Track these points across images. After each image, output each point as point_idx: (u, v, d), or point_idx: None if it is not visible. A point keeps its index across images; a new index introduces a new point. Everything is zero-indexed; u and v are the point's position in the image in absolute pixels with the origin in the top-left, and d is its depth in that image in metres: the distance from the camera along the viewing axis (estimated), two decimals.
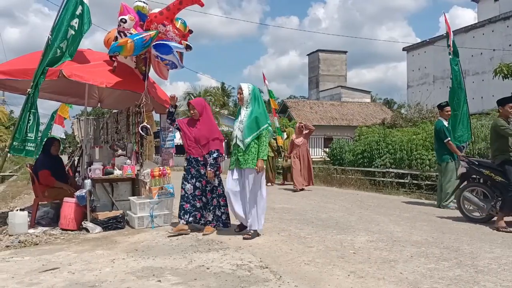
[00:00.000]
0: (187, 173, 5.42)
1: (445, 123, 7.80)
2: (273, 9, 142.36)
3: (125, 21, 5.69)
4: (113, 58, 6.12)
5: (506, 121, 6.52)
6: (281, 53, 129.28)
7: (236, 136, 5.10)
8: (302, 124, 10.93)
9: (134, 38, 5.52)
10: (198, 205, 5.44)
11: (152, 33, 5.66)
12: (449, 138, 7.64)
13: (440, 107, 8.06)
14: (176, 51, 5.72)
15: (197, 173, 5.41)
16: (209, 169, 5.26)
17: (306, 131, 10.76)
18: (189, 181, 5.40)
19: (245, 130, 5.02)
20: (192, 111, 5.43)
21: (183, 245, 4.81)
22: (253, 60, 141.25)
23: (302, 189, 10.55)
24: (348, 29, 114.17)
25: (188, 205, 5.38)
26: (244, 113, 5.15)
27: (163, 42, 5.71)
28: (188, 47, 5.92)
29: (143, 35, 5.61)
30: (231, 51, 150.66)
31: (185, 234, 5.25)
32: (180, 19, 6.03)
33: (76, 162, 8.01)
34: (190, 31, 6.12)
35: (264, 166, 5.11)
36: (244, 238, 5.03)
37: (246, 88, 5.19)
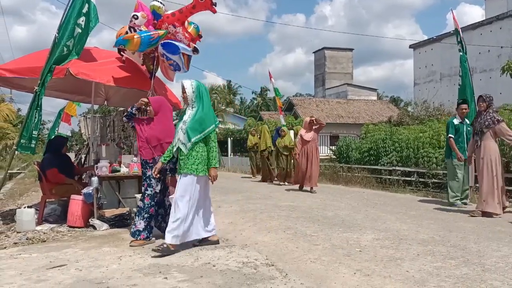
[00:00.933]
0: (142, 176, 5.03)
1: (456, 120, 7.75)
2: (280, 6, 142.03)
3: (137, 18, 5.75)
4: (122, 53, 6.14)
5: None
6: (287, 51, 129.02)
7: (179, 138, 4.49)
8: (313, 118, 9.95)
9: (142, 35, 5.55)
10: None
11: (161, 32, 5.68)
12: (451, 135, 7.63)
13: (457, 104, 8.04)
14: (182, 54, 5.72)
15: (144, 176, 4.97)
16: (170, 175, 4.91)
17: (316, 126, 9.91)
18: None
19: (188, 132, 4.41)
20: (148, 108, 5.02)
21: (188, 242, 4.82)
22: (259, 58, 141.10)
23: (307, 191, 9.97)
24: (354, 27, 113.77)
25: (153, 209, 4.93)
26: (189, 113, 4.54)
27: (171, 41, 5.72)
28: (195, 50, 5.90)
29: (151, 32, 5.63)
30: (237, 49, 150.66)
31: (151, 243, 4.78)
32: (193, 23, 6.04)
33: (83, 160, 8.06)
34: (200, 36, 6.11)
35: (217, 174, 4.54)
36: (153, 250, 4.42)
37: (190, 86, 4.56)
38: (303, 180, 9.96)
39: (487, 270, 3.75)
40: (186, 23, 5.99)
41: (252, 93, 54.77)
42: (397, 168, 11.99)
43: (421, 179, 11.12)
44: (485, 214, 6.42)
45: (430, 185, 10.70)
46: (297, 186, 10.51)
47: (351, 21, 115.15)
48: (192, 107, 4.54)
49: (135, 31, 5.70)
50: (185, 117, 4.53)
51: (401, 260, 4.09)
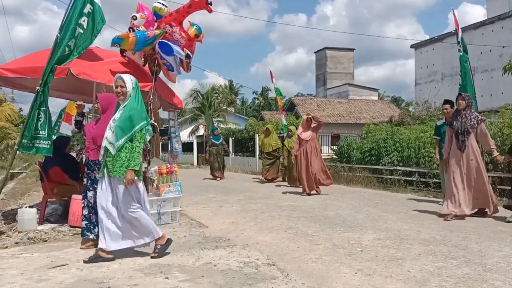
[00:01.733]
0: (88, 179, 4.70)
1: (439, 122, 8.12)
2: (281, 6, 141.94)
3: (136, 18, 5.79)
4: (124, 53, 6.14)
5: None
6: (288, 51, 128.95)
7: (106, 137, 4.10)
8: (310, 116, 9.54)
9: (137, 34, 5.57)
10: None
11: (157, 31, 5.69)
12: (436, 137, 8.04)
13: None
14: (178, 57, 5.72)
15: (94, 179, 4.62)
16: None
17: (315, 124, 9.48)
18: (90, 188, 4.66)
19: (117, 130, 4.03)
20: (96, 105, 4.75)
21: (190, 242, 4.83)
22: (261, 58, 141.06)
23: (311, 194, 9.37)
24: (356, 26, 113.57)
25: (95, 216, 4.57)
26: (121, 110, 4.20)
27: (167, 42, 5.72)
28: (188, 57, 5.86)
29: (147, 32, 5.65)
30: (238, 48, 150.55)
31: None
32: (195, 25, 6.02)
33: (84, 160, 8.05)
34: (197, 36, 6.07)
35: (136, 178, 4.08)
36: (151, 257, 4.19)
37: (130, 81, 4.23)
38: (310, 185, 9.33)
39: (488, 270, 3.75)
40: (187, 24, 5.99)
41: (253, 93, 54.82)
42: (398, 168, 11.98)
43: (422, 179, 11.10)
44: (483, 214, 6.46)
45: (431, 185, 10.68)
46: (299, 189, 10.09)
47: (353, 21, 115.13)
48: (125, 104, 4.19)
49: (133, 31, 5.73)
50: (116, 115, 4.17)
51: (402, 260, 4.08)
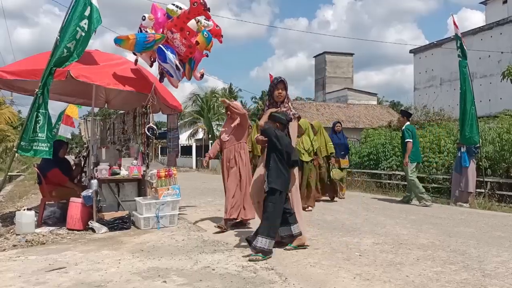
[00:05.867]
0: None
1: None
2: (283, 11, 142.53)
3: (144, 19, 5.87)
4: (134, 53, 6.16)
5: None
6: (289, 55, 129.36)
7: None
8: (229, 102, 5.90)
9: (138, 36, 5.59)
10: None
11: (158, 36, 5.70)
12: (408, 140, 8.53)
13: None
14: (171, 64, 5.73)
15: None
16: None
17: (237, 121, 5.88)
18: None
19: None
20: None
21: (188, 246, 4.82)
22: (261, 62, 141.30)
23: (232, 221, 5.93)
24: (356, 31, 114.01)
25: None
26: None
27: (164, 49, 5.71)
28: (177, 68, 5.83)
29: (148, 35, 5.66)
30: (239, 52, 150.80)
31: None
32: (205, 32, 5.94)
33: (83, 162, 8.05)
34: (197, 43, 5.93)
35: None
36: None
37: None
38: (230, 211, 5.69)
39: (487, 275, 3.75)
40: (197, 27, 5.93)
41: (252, 99, 54.78)
42: (397, 172, 11.98)
43: (421, 184, 11.10)
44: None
45: (430, 190, 10.68)
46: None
47: (353, 26, 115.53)
48: None
49: (140, 31, 5.79)
50: None
51: (400, 264, 4.08)
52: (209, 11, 5.66)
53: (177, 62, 5.81)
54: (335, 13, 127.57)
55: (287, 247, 4.58)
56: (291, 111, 4.81)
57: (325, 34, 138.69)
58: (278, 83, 4.81)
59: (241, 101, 55.51)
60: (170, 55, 5.71)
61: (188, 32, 5.76)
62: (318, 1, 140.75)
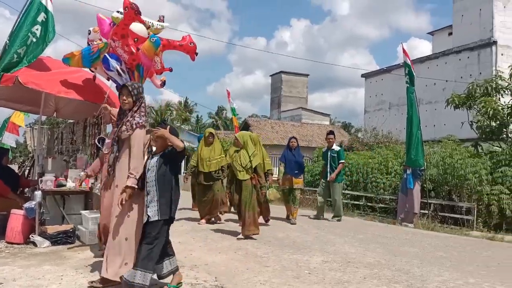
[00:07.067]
0: None
1: (324, 149, 9.32)
2: (242, 29, 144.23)
3: (89, 33, 5.68)
4: (91, 70, 5.98)
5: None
6: (246, 72, 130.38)
7: None
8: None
9: (83, 51, 5.50)
10: None
11: (101, 44, 5.60)
12: (342, 161, 8.91)
13: (326, 134, 9.41)
14: (115, 72, 5.64)
15: None
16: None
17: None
18: None
19: None
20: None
21: None
22: (219, 77, 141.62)
23: None
24: (312, 53, 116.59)
25: None
26: None
27: (109, 57, 5.61)
28: (119, 74, 5.72)
29: (92, 47, 5.57)
30: (197, 66, 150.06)
31: None
32: (154, 36, 5.81)
33: (26, 173, 7.68)
34: (137, 49, 5.60)
35: None
36: None
37: None
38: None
39: None
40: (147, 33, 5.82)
41: (208, 114, 54.64)
42: (347, 192, 12.29)
43: (369, 204, 11.45)
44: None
45: (377, 209, 11.04)
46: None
47: (309, 48, 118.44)
48: None
49: (88, 45, 5.65)
50: None
51: (348, 283, 4.16)
52: (140, 15, 5.52)
53: (119, 68, 5.66)
54: (292, 35, 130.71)
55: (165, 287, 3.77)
56: (134, 120, 3.88)
57: (282, 54, 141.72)
58: (121, 89, 4.04)
59: (197, 116, 55.30)
60: (113, 63, 5.60)
61: (136, 39, 5.65)
62: (277, 22, 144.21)
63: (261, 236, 6.56)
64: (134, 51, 5.66)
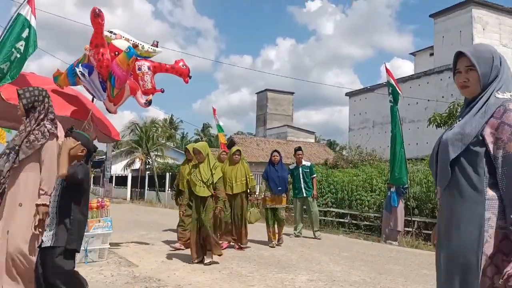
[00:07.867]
0: None
1: (292, 165, 9.27)
2: (228, 47, 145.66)
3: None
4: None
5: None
6: (232, 90, 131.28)
7: None
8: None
9: (68, 69, 5.55)
10: None
11: (80, 57, 5.63)
12: (314, 176, 9.09)
13: (294, 151, 9.31)
14: (88, 81, 5.62)
15: None
16: None
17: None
18: None
19: None
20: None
21: (117, 282, 4.58)
22: (204, 95, 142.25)
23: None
24: (298, 72, 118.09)
25: None
26: None
27: (84, 67, 5.60)
28: (83, 75, 5.58)
29: (74, 62, 5.62)
30: (183, 84, 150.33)
31: None
32: (130, 48, 5.76)
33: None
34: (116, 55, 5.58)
35: None
36: None
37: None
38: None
39: None
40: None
41: (194, 131, 54.60)
42: (332, 209, 12.31)
43: (353, 221, 11.48)
44: None
45: (362, 227, 11.06)
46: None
47: (295, 66, 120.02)
48: None
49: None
50: None
51: None
52: (100, 17, 5.44)
53: (78, 71, 5.61)
54: (278, 53, 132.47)
55: None
56: (45, 127, 3.57)
57: (268, 73, 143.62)
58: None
59: (183, 133, 55.15)
60: (76, 68, 5.61)
61: (116, 53, 5.66)
62: (263, 41, 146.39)
63: (246, 255, 6.50)
64: (101, 58, 5.60)
